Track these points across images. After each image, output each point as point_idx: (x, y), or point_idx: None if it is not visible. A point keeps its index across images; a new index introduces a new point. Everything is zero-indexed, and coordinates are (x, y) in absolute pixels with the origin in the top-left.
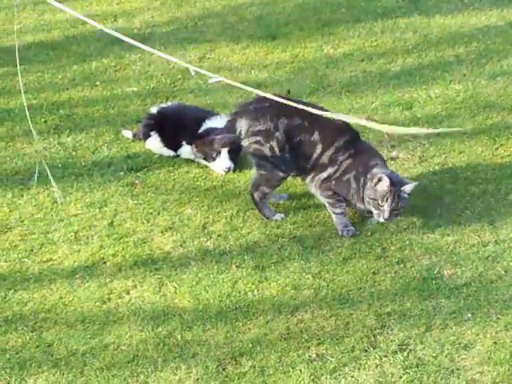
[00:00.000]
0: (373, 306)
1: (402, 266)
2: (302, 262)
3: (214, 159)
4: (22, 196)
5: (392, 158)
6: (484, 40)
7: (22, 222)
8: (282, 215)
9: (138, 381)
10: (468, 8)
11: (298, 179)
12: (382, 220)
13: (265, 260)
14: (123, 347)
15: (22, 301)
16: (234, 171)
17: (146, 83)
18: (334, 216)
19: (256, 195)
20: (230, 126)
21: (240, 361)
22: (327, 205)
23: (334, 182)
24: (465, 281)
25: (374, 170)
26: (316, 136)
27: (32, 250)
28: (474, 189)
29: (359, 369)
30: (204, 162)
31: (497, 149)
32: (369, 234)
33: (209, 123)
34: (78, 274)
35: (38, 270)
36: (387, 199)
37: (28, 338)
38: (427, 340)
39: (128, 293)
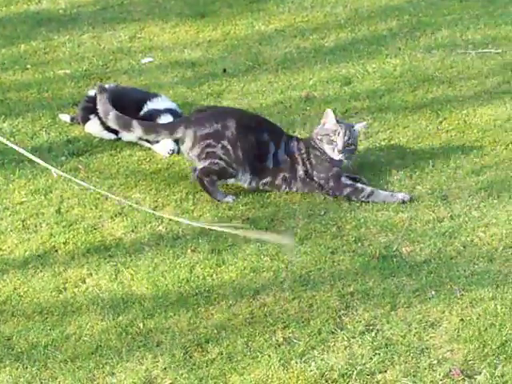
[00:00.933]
0: (335, 287)
1: (359, 244)
2: (258, 243)
3: (158, 141)
4: None
5: None
6: (415, 13)
7: None
8: (233, 197)
9: (104, 372)
10: None
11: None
12: (336, 154)
13: (220, 243)
14: (85, 338)
15: None
16: (177, 153)
17: (78, 65)
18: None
19: (206, 181)
20: (171, 127)
21: (206, 348)
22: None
23: (315, 172)
24: (424, 258)
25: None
26: (266, 136)
27: None
28: (422, 164)
29: (328, 351)
30: (147, 145)
31: (441, 122)
32: (322, 213)
33: (150, 105)
34: (30, 263)
35: None
36: (338, 132)
37: None
38: (393, 319)
39: (84, 281)
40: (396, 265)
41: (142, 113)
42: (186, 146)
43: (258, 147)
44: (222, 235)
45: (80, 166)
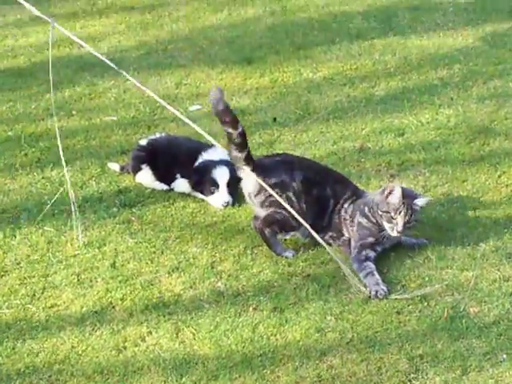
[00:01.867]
0: (403, 349)
1: (425, 304)
2: (321, 302)
3: (212, 193)
4: (15, 236)
5: None
6: (465, 61)
7: (19, 264)
8: (293, 252)
9: None
10: (443, 28)
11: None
12: (394, 234)
13: (282, 301)
14: None
15: (33, 351)
16: (232, 205)
17: (124, 112)
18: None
19: (267, 232)
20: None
21: None
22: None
23: (352, 239)
24: (493, 319)
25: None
26: (328, 191)
27: (34, 295)
28: (484, 220)
29: None
30: (201, 196)
31: (499, 176)
32: (385, 270)
33: (205, 155)
34: (87, 320)
35: (44, 316)
36: (400, 212)
37: None
38: None
39: (144, 340)
40: (465, 326)
41: (196, 164)
42: (250, 191)
43: (320, 202)
44: (283, 292)
45: (133, 218)
